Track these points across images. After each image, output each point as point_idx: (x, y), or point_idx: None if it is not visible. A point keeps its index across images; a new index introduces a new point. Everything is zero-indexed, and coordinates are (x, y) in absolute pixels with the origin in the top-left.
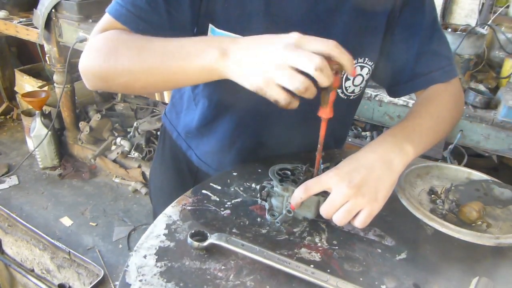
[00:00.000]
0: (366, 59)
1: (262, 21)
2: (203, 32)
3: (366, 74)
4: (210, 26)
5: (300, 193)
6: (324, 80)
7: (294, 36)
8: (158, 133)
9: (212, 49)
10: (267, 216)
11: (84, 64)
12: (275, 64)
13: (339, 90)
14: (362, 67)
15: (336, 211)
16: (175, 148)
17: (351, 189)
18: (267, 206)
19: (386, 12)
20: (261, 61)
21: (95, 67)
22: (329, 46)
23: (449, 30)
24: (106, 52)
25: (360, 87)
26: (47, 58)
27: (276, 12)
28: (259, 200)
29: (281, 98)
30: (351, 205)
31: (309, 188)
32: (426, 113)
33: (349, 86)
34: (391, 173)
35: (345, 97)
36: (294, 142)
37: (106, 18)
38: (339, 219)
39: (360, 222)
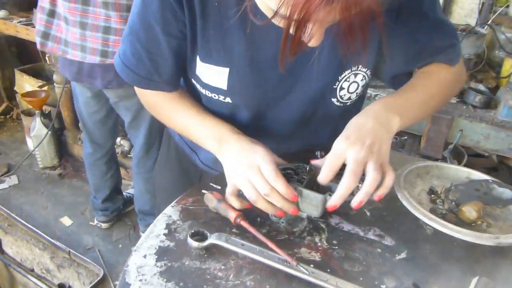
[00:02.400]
0: (360, 66)
1: (245, 50)
2: (193, 64)
3: (361, 80)
4: (197, 59)
5: (328, 172)
6: (275, 203)
7: (261, 157)
8: None
9: (211, 140)
10: (272, 217)
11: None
12: (242, 178)
13: (333, 99)
14: (356, 74)
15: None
16: (180, 149)
17: (366, 152)
18: None
19: (380, 17)
20: (237, 171)
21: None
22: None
23: None
24: (151, 111)
25: (357, 93)
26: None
27: (258, 38)
28: None
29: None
30: (374, 164)
31: (332, 165)
32: (422, 87)
33: (344, 95)
34: (388, 135)
35: (341, 104)
36: (294, 143)
37: None
38: (372, 179)
39: (390, 177)
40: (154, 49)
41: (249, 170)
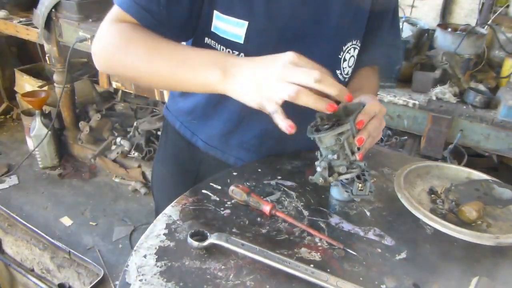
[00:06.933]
0: (358, 40)
1: (264, 5)
2: (208, 20)
3: (356, 55)
4: (215, 12)
5: (365, 117)
6: (328, 89)
7: (291, 55)
8: (159, 132)
9: (215, 68)
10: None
11: (96, 50)
12: (274, 82)
13: (338, 71)
14: (354, 49)
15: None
16: (178, 140)
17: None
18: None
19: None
20: (260, 82)
21: (107, 56)
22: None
23: (449, 30)
24: (118, 46)
25: (352, 68)
26: (47, 58)
27: None
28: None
29: (277, 109)
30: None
31: (370, 113)
32: (375, 87)
33: (345, 68)
34: None
35: (343, 79)
36: (297, 134)
37: (116, 8)
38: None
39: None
40: None
41: (282, 68)
